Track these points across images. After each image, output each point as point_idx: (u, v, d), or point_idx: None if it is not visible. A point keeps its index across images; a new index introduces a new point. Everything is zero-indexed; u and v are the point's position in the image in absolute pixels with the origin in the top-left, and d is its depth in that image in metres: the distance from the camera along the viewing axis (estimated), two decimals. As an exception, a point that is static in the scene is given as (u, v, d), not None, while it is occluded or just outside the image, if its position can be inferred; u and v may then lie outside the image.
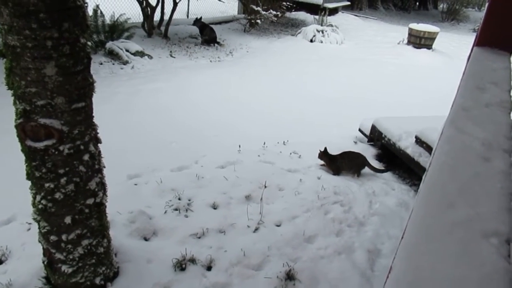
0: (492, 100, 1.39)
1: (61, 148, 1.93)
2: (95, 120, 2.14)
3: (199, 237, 3.08)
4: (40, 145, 1.89)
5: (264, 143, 4.87)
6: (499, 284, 0.68)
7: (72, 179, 2.04)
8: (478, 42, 2.33)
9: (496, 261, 0.73)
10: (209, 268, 2.81)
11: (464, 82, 1.60)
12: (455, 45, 13.38)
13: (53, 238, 2.17)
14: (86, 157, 2.07)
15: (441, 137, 1.18)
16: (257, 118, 5.88)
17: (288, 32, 13.09)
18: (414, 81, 8.99)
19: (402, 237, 0.84)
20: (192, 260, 2.80)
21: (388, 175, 4.64)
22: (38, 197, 2.06)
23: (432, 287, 0.68)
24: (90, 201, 2.18)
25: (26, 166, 2.01)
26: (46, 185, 2.00)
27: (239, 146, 4.66)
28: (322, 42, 11.79)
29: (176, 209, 3.36)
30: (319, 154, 4.47)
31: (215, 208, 3.47)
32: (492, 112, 1.30)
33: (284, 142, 5.03)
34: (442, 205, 0.87)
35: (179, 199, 3.51)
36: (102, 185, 2.28)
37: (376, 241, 3.34)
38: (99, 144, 2.21)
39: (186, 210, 3.37)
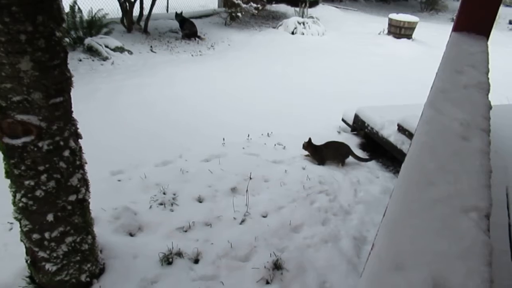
0: (470, 82, 1.41)
1: (40, 144, 1.89)
2: (76, 116, 2.10)
3: (185, 231, 3.07)
4: (18, 142, 1.85)
5: (248, 135, 4.86)
6: (478, 257, 0.69)
7: (52, 175, 2.01)
8: (456, 28, 2.36)
9: (476, 235, 0.74)
10: (196, 261, 2.80)
11: (442, 65, 1.62)
12: (435, 34, 13.52)
13: (35, 236, 2.13)
14: (66, 153, 2.03)
15: (421, 118, 1.19)
16: (240, 110, 5.87)
17: (269, 24, 13.05)
18: (395, 70, 9.08)
19: (383, 215, 0.85)
20: (179, 254, 2.79)
21: (372, 163, 4.69)
22: (18, 195, 2.02)
23: (413, 261, 0.68)
24: (72, 197, 2.15)
25: (5, 164, 1.96)
26: (26, 182, 1.96)
27: (223, 139, 4.64)
28: (303, 34, 11.79)
29: (161, 204, 3.34)
30: (303, 145, 4.48)
31: (200, 202, 3.46)
32: (470, 93, 1.32)
33: (268, 134, 5.03)
34: (423, 183, 0.88)
35: (164, 193, 3.48)
36: (84, 181, 2.25)
37: (362, 229, 3.38)
38: (79, 140, 2.17)
39: (172, 205, 3.35)
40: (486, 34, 2.26)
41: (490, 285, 0.67)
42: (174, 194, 3.49)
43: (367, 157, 4.76)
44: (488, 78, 1.49)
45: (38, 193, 2.00)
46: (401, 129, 4.52)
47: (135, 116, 5.32)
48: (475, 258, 0.69)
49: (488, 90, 1.39)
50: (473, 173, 0.92)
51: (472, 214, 0.79)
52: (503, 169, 2.85)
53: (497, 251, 1.98)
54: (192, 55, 9.08)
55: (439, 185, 0.87)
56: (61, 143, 1.99)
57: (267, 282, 2.67)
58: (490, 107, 1.28)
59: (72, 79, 1.99)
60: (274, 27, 12.49)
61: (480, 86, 1.37)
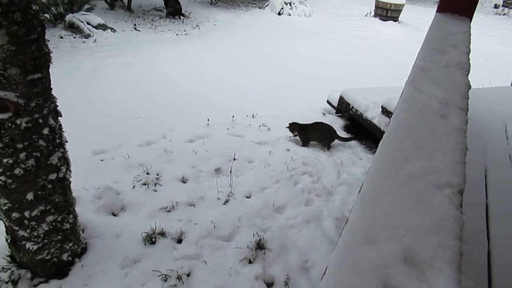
0: (450, 61, 1.42)
1: (18, 121, 1.85)
2: (57, 94, 2.06)
3: (169, 211, 3.07)
4: (-5, 118, 1.80)
5: (233, 116, 4.84)
6: (450, 231, 0.71)
7: (32, 154, 1.97)
8: (439, 8, 2.36)
9: (448, 210, 0.75)
10: (179, 240, 2.81)
11: (424, 45, 1.62)
12: (421, 17, 13.55)
13: (15, 215, 2.10)
14: (45, 131, 1.99)
15: (401, 96, 1.20)
16: (225, 91, 5.83)
17: (256, 4, 12.90)
18: (381, 52, 9.10)
19: (359, 191, 0.86)
20: (162, 234, 2.79)
21: (355, 145, 4.72)
22: (-4, 174, 1.98)
23: (386, 234, 0.69)
24: (52, 176, 2.12)
25: (-18, 141, 1.91)
26: (5, 160, 1.92)
27: (208, 120, 4.62)
28: (290, 14, 11.69)
29: (144, 184, 3.32)
30: (289, 128, 4.47)
31: (184, 182, 3.45)
32: (451, 72, 1.33)
33: (253, 115, 5.01)
34: (399, 159, 0.89)
35: (148, 173, 3.46)
36: (64, 160, 2.21)
37: (344, 209, 3.42)
38: (59, 118, 2.13)
39: (155, 185, 3.33)
40: (469, 16, 2.26)
41: (460, 258, 0.69)
42: (158, 174, 3.47)
43: (350, 136, 4.80)
44: (468, 58, 1.50)
45: (17, 171, 1.96)
46: (385, 111, 4.56)
47: (118, 95, 5.24)
48: (446, 232, 0.70)
49: (468, 70, 1.40)
50: (448, 150, 0.93)
51: (446, 190, 0.81)
52: (483, 151, 2.90)
53: (475, 231, 2.02)
54: (177, 34, 8.95)
55: (415, 161, 0.88)
56: (40, 120, 1.94)
57: (250, 262, 2.69)
58: (469, 87, 1.29)
59: (51, 55, 1.94)
60: (260, 7, 12.35)
61: (460, 66, 1.38)
